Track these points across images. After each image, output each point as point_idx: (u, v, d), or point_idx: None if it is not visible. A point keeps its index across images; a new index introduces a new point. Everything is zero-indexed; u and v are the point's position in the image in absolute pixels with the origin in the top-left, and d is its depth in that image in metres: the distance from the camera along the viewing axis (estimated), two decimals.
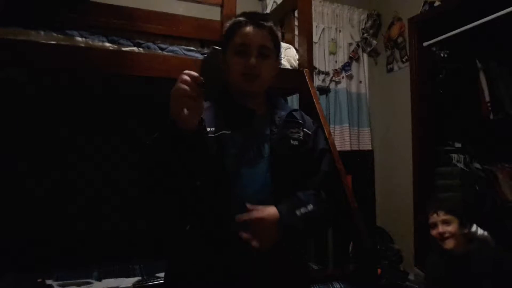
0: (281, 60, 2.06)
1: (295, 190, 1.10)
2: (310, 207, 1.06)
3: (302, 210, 1.04)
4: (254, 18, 1.14)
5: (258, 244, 0.96)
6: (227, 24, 1.18)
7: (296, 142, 1.14)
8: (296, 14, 2.31)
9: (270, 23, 1.15)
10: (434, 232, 1.90)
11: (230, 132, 1.09)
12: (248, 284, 1.02)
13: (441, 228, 1.86)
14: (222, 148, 1.06)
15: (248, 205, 0.99)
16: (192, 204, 1.08)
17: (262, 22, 1.13)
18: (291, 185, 1.11)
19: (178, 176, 1.00)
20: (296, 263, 1.15)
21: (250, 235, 0.97)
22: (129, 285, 1.68)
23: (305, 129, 1.18)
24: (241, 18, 1.14)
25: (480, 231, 1.95)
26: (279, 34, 1.22)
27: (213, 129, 1.08)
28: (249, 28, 1.11)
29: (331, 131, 3.07)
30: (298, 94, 2.33)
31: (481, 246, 1.88)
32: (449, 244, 1.85)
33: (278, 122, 1.15)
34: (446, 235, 1.85)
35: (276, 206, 1.02)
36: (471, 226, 1.94)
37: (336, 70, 3.30)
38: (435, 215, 1.90)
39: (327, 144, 1.25)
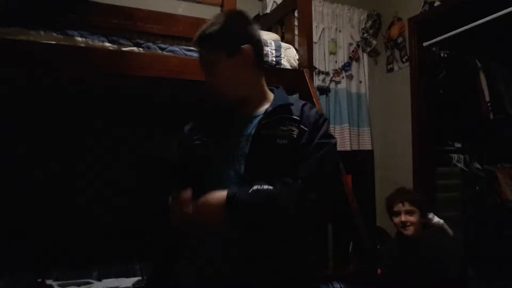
0: (274, 62, 2.06)
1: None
2: (266, 186, 0.98)
3: (255, 187, 0.98)
4: (197, 37, 1.14)
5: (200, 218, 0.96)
6: None
7: (284, 141, 1.05)
8: (296, 14, 2.31)
9: (207, 34, 1.11)
10: (396, 220, 2.07)
11: (206, 140, 1.11)
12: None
13: (404, 218, 2.03)
14: (197, 157, 1.10)
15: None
16: None
17: (197, 40, 1.14)
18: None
19: None
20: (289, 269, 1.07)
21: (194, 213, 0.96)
22: (129, 285, 1.68)
23: (302, 126, 1.08)
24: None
25: (436, 219, 2.13)
26: (221, 35, 1.11)
27: (196, 138, 1.13)
28: (196, 50, 1.16)
29: (331, 131, 3.07)
30: (298, 94, 2.33)
31: (435, 232, 2.06)
32: (409, 231, 2.02)
33: (264, 120, 1.08)
34: (408, 224, 2.02)
35: None
36: (428, 215, 2.13)
37: (336, 70, 3.30)
38: (400, 204, 2.06)
39: (329, 138, 1.11)
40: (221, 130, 1.12)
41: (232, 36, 1.11)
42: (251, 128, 1.09)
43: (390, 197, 2.17)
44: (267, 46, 2.08)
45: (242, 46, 1.10)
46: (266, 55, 2.06)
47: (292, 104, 1.14)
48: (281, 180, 1.01)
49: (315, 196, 1.01)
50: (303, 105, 1.15)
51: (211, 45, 1.11)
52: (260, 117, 1.10)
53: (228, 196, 0.97)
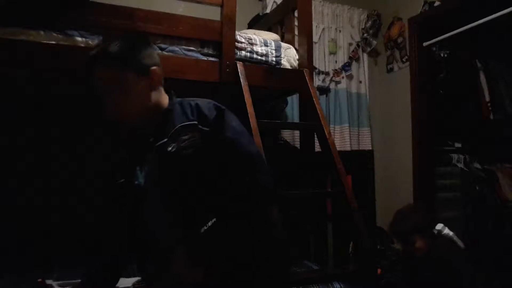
0: (274, 62, 2.06)
1: (204, 200, 1.02)
2: (211, 222, 0.98)
3: (202, 229, 0.98)
4: (92, 58, 1.05)
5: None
6: None
7: (190, 150, 1.01)
8: (296, 14, 2.31)
9: (111, 50, 1.04)
10: (402, 247, 2.08)
11: (128, 174, 1.13)
12: None
13: (406, 249, 2.01)
14: (125, 194, 1.14)
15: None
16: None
17: (100, 57, 1.04)
18: (195, 197, 1.02)
19: None
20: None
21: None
22: (129, 285, 1.68)
23: (201, 127, 1.03)
24: (86, 62, 1.07)
25: (446, 231, 2.07)
26: (130, 53, 1.07)
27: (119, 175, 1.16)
28: (91, 73, 1.06)
29: (331, 131, 3.07)
30: (298, 94, 2.33)
31: (443, 246, 2.01)
32: (415, 255, 1.98)
33: (160, 141, 1.04)
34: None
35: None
36: (434, 227, 2.06)
37: (336, 70, 3.30)
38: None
39: (236, 131, 1.06)
40: (137, 161, 1.12)
41: (141, 56, 1.08)
42: (154, 151, 1.07)
43: (390, 228, 2.12)
44: (267, 46, 2.08)
45: (152, 68, 1.08)
46: (266, 55, 2.06)
47: (184, 107, 1.09)
48: (216, 204, 1.01)
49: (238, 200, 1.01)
50: (197, 104, 1.08)
51: (117, 62, 1.05)
52: (156, 138, 1.07)
53: (186, 250, 1.00)
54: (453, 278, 1.88)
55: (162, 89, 1.14)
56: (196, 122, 1.03)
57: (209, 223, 0.98)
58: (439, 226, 2.08)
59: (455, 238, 2.07)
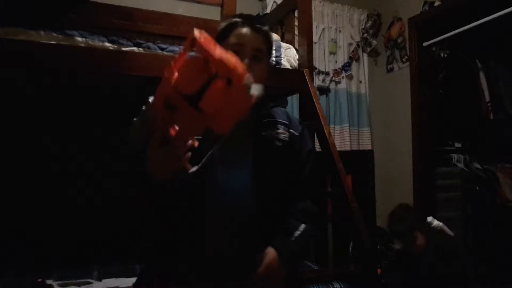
0: (274, 62, 2.06)
1: (279, 195, 1.12)
2: (302, 227, 1.09)
3: (296, 233, 1.07)
4: (251, 20, 1.16)
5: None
6: (222, 24, 1.18)
7: (280, 143, 1.13)
8: (296, 14, 2.31)
9: (266, 27, 1.17)
10: (403, 247, 2.16)
11: (205, 140, 1.07)
12: None
13: (408, 247, 2.09)
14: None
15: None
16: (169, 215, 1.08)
17: (258, 25, 1.14)
18: (274, 188, 1.11)
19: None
20: None
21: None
22: (129, 285, 1.68)
23: (291, 130, 1.18)
24: (238, 19, 1.15)
25: (435, 222, 2.17)
26: (272, 39, 1.21)
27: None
28: (246, 30, 1.12)
29: (331, 131, 3.07)
30: (298, 94, 2.33)
31: (435, 236, 2.09)
32: (418, 250, 2.06)
33: (262, 124, 1.15)
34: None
35: (272, 242, 1.04)
36: (426, 221, 2.16)
37: (336, 70, 3.30)
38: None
39: (314, 144, 1.28)
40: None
41: (271, 52, 1.24)
42: (248, 129, 1.11)
43: (390, 229, 2.23)
44: None
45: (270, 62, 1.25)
46: None
47: (278, 109, 1.24)
48: (300, 210, 1.13)
49: (316, 207, 1.19)
50: (286, 112, 1.25)
51: (269, 41, 1.17)
52: (252, 119, 1.12)
53: (279, 255, 1.02)
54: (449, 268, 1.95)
55: None
56: (287, 123, 1.19)
57: (301, 228, 1.08)
58: (429, 219, 2.18)
59: (445, 228, 2.17)
